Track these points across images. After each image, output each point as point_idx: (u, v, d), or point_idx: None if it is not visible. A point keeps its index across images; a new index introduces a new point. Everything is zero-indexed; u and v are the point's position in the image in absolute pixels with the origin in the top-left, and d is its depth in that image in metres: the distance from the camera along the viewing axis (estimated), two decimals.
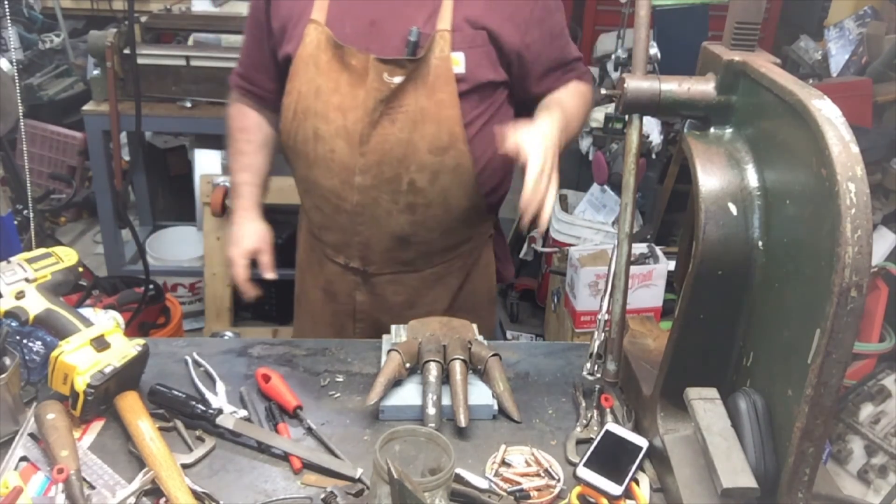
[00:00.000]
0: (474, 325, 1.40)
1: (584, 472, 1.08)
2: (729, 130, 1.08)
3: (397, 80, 1.40)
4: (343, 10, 1.45)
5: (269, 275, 1.57)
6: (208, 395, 1.25)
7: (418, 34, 1.40)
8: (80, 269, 1.33)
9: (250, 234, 1.60)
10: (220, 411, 1.19)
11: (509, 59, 1.48)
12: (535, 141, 1.33)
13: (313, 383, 1.32)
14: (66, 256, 1.30)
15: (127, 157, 3.41)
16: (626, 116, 1.13)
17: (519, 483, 1.10)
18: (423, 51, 1.41)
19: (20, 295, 1.21)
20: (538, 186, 1.30)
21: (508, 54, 1.47)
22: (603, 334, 1.20)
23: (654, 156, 3.41)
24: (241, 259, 1.57)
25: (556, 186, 1.34)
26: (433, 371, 1.24)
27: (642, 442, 1.14)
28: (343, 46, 1.43)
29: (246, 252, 1.58)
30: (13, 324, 1.21)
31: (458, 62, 1.42)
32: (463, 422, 1.17)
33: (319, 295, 1.71)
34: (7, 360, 1.17)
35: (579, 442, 1.20)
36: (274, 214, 1.70)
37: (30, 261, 1.25)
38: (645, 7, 1.12)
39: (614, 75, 3.68)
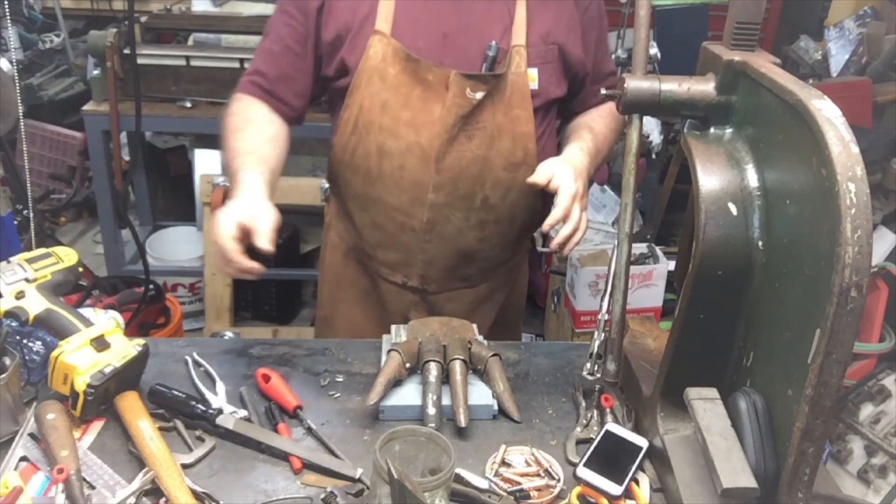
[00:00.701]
0: (474, 325, 1.40)
1: (584, 472, 1.08)
2: (729, 130, 1.07)
3: (479, 95, 1.37)
4: (411, 22, 1.40)
5: (268, 247, 1.17)
6: (208, 395, 1.25)
7: (497, 49, 1.38)
8: (80, 269, 1.33)
9: (249, 203, 1.22)
10: (220, 411, 1.18)
11: (575, 70, 1.48)
12: (564, 169, 1.35)
13: (313, 383, 1.32)
14: (66, 256, 1.30)
15: (127, 157, 3.41)
16: (626, 116, 1.13)
17: (519, 483, 1.10)
18: (500, 66, 1.39)
19: (20, 295, 1.21)
20: (571, 210, 1.33)
21: (575, 66, 1.47)
22: (603, 334, 1.19)
23: (654, 156, 3.41)
24: (230, 228, 1.17)
25: (586, 214, 1.37)
26: (433, 371, 1.24)
27: (642, 442, 1.14)
28: (418, 60, 1.37)
29: (238, 222, 1.18)
30: (13, 324, 1.21)
31: (534, 78, 1.42)
32: (463, 422, 1.17)
33: (361, 317, 1.66)
34: (7, 360, 1.17)
35: (579, 442, 1.19)
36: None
37: (30, 261, 1.25)
38: (645, 7, 1.12)
39: None
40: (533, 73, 1.42)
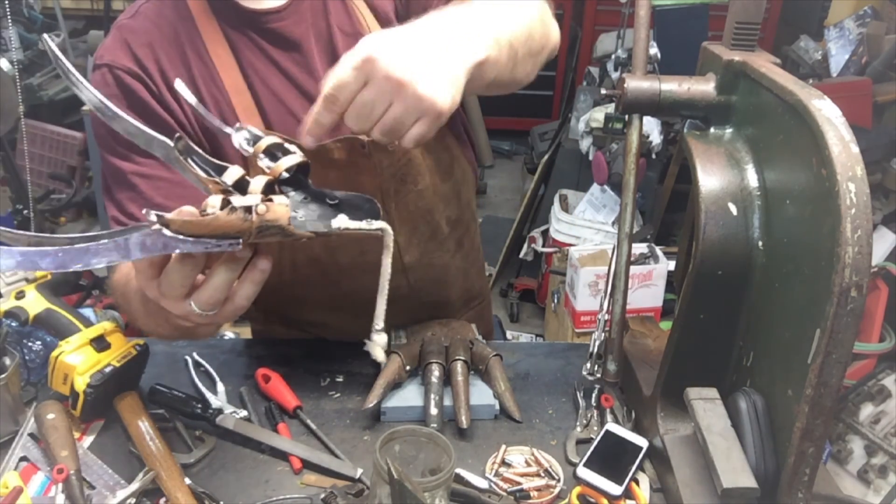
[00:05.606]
0: (473, 325, 1.40)
1: (584, 472, 1.08)
2: (729, 130, 1.07)
3: (397, 140, 1.15)
4: (276, 105, 1.16)
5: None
6: (208, 395, 1.25)
7: None
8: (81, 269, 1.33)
9: None
10: (220, 411, 1.19)
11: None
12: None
13: (313, 383, 1.32)
14: None
15: None
16: (626, 116, 1.13)
17: (519, 483, 1.10)
18: None
19: (20, 295, 1.21)
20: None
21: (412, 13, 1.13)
22: (603, 334, 1.20)
23: (654, 156, 3.42)
24: None
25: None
26: (435, 372, 1.24)
27: (642, 442, 1.14)
28: (321, 145, 1.10)
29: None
30: (13, 324, 1.22)
31: None
32: (464, 423, 1.17)
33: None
34: (7, 360, 1.17)
35: (579, 442, 1.19)
36: None
37: None
38: (645, 7, 1.12)
39: (614, 75, 3.69)
40: None
